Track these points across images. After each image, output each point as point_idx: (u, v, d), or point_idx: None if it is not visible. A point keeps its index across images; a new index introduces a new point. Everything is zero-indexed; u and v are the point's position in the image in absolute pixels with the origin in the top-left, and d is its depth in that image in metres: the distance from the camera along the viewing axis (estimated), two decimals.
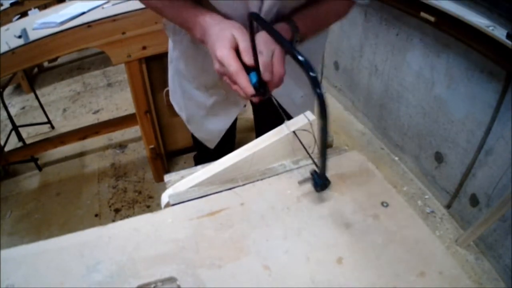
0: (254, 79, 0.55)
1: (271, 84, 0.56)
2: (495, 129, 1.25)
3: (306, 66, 0.40)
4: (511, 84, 1.15)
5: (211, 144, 1.04)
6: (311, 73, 0.39)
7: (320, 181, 0.50)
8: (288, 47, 0.44)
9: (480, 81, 1.26)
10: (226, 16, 0.63)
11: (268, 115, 1.13)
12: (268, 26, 0.50)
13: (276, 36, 0.48)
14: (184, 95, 0.95)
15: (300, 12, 0.66)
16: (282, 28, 0.61)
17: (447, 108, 1.45)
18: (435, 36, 1.41)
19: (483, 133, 1.29)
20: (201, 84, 0.88)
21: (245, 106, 0.93)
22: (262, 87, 0.55)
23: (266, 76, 0.55)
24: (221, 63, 0.55)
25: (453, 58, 1.36)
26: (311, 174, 0.51)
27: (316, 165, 0.52)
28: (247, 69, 0.55)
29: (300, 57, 0.40)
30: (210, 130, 1.00)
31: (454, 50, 1.34)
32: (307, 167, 0.59)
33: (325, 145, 0.44)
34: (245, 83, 0.53)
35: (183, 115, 1.02)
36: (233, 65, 0.53)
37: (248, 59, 0.54)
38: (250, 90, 0.54)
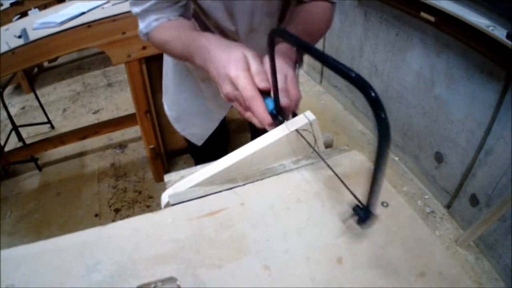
0: (271, 105, 0.49)
1: (289, 109, 0.51)
2: (495, 129, 1.25)
3: (362, 84, 0.31)
4: (511, 84, 1.15)
5: (200, 140, 1.04)
6: (372, 94, 0.30)
7: (364, 215, 0.43)
8: (335, 63, 0.35)
9: (480, 81, 1.26)
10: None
11: None
12: (297, 39, 0.42)
13: (314, 51, 0.39)
14: (178, 88, 0.95)
15: (292, 28, 0.63)
16: (286, 47, 0.57)
17: (447, 108, 1.44)
18: (435, 36, 1.41)
19: (483, 133, 1.29)
20: (197, 76, 0.88)
21: None
22: (278, 113, 0.50)
23: (284, 101, 0.49)
24: (235, 86, 0.49)
25: (453, 58, 1.36)
26: (353, 209, 0.44)
27: (357, 199, 0.46)
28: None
29: (352, 74, 0.33)
30: (202, 124, 0.98)
31: (454, 50, 1.34)
32: (307, 167, 0.59)
33: (377, 179, 0.37)
34: (261, 111, 0.48)
35: (172, 114, 1.02)
36: (249, 89, 0.48)
37: (264, 83, 0.49)
38: (268, 119, 0.48)
